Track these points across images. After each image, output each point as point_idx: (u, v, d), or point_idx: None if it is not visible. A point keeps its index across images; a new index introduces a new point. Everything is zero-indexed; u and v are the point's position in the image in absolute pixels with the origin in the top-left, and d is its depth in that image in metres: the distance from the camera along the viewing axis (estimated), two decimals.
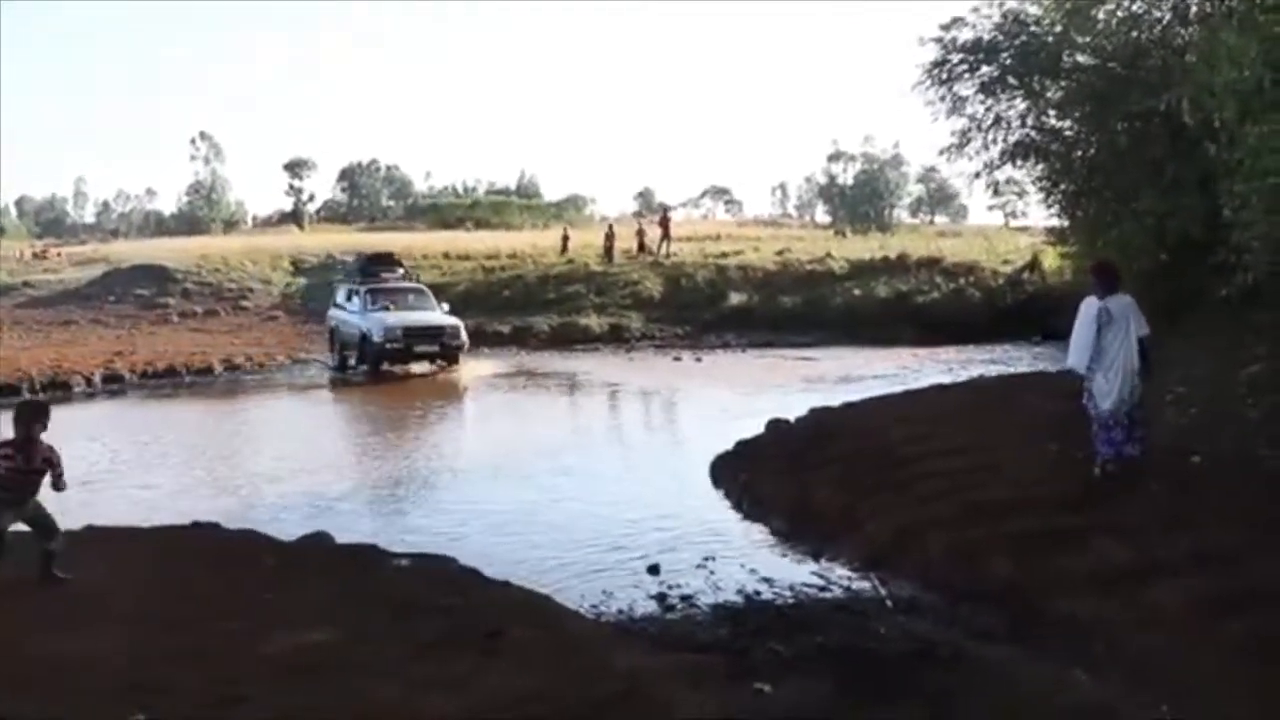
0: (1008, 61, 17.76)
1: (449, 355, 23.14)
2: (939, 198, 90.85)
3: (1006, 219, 51.04)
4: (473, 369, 23.63)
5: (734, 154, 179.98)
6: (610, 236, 36.08)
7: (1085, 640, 5.87)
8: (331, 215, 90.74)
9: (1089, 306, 8.61)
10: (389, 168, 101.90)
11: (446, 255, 37.13)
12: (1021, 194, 20.79)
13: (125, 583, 6.83)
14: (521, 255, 36.77)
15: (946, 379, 17.95)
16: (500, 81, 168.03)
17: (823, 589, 7.60)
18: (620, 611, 7.18)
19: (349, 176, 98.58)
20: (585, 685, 4.96)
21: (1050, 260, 27.17)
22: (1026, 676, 5.49)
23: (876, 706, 5.07)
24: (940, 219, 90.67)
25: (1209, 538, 6.89)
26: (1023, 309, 26.94)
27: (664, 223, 37.06)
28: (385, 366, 22.82)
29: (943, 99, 18.46)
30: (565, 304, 30.73)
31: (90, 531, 8.69)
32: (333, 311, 25.89)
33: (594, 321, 29.41)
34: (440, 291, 27.21)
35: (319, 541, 8.43)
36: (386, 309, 23.51)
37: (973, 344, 24.62)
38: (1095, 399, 8.50)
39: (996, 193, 19.97)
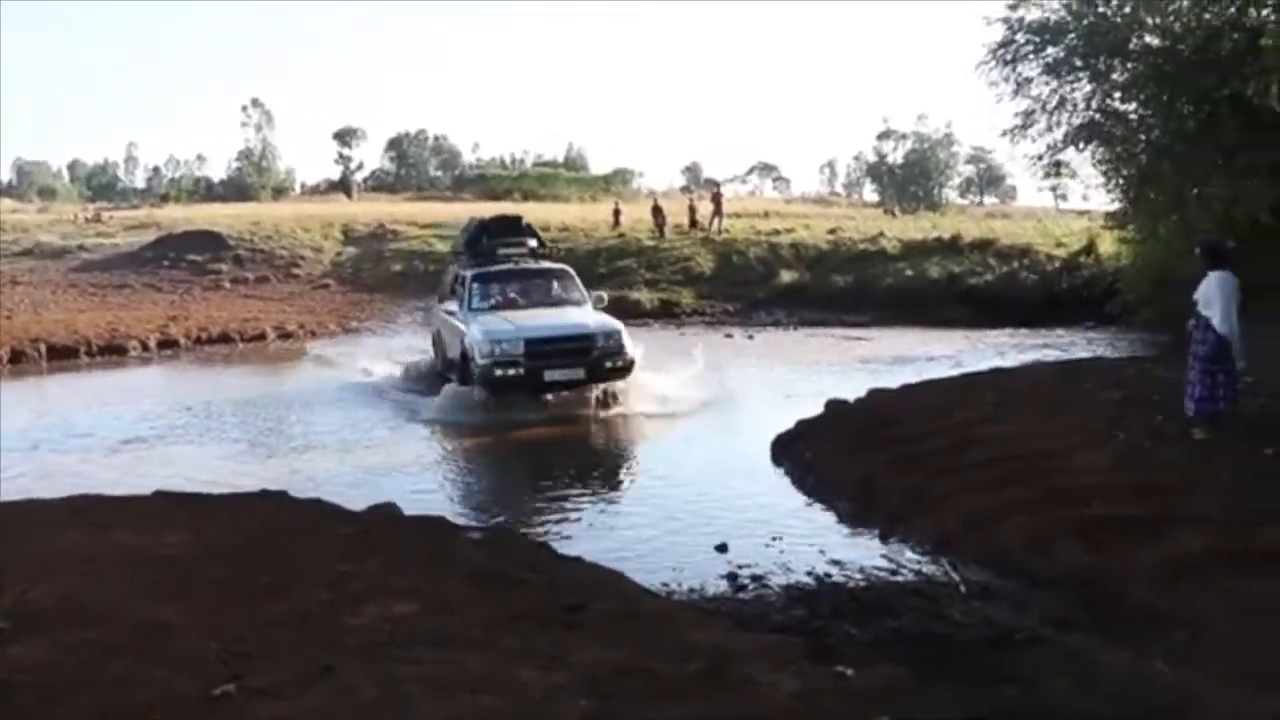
0: (1074, 42, 17.57)
1: (604, 379, 14.66)
2: (988, 179, 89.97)
3: (1057, 201, 50.38)
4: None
5: (781, 131, 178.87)
6: (659, 211, 36.05)
7: (1166, 629, 5.84)
8: (379, 185, 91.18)
9: (1228, 278, 9.08)
10: (437, 138, 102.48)
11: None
12: (1074, 176, 20.56)
13: (205, 551, 6.95)
14: (573, 228, 36.74)
15: (1003, 362, 17.80)
16: (549, 53, 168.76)
17: (893, 572, 7.60)
18: (692, 590, 7.21)
19: (397, 146, 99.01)
20: (673, 661, 5.00)
21: (1106, 245, 26.82)
22: (1107, 665, 5.47)
23: (958, 691, 5.07)
24: (989, 200, 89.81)
25: None
26: (1077, 293, 26.62)
27: (716, 199, 36.96)
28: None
29: (1007, 80, 18.37)
30: (616, 278, 30.61)
31: (161, 498, 8.87)
32: (435, 308, 18.44)
33: (645, 296, 29.38)
34: None
35: (388, 512, 8.51)
36: (503, 307, 15.81)
37: (1026, 327, 24.38)
38: (1236, 361, 9.15)
39: (1058, 175, 19.78)
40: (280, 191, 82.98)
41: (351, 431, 13.94)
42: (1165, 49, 16.60)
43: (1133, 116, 18.20)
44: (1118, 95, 18.16)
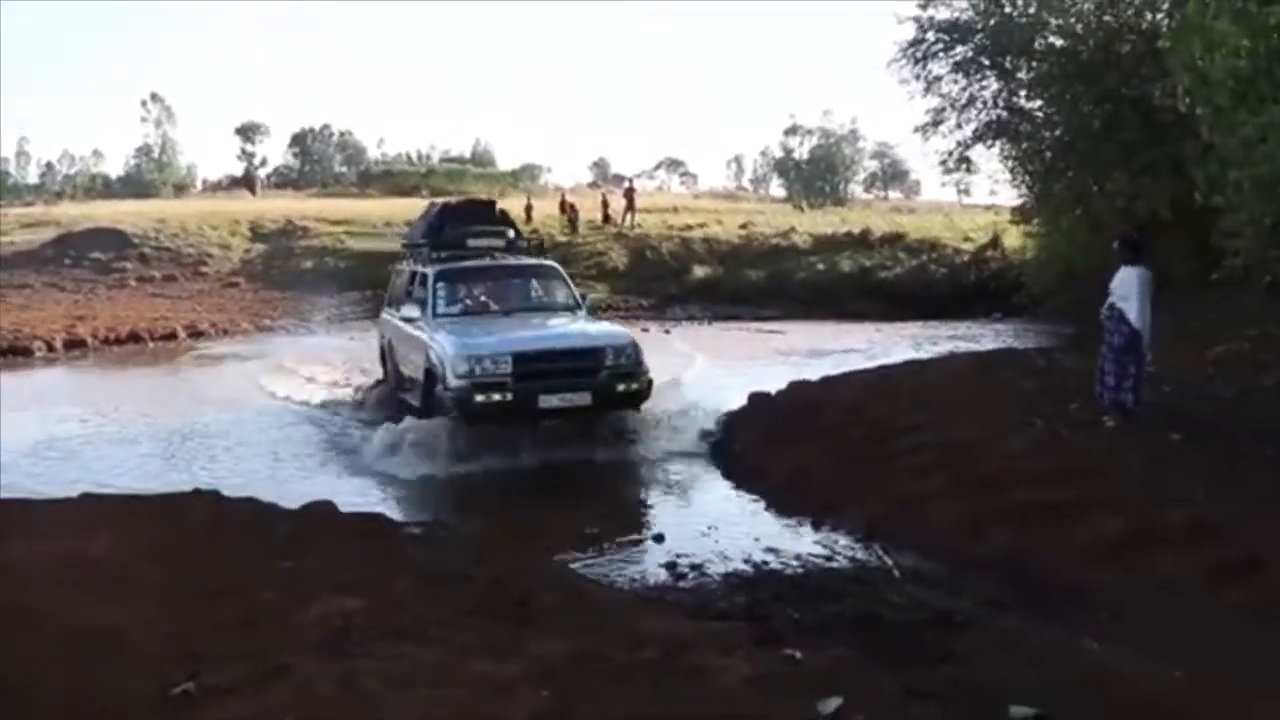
0: (982, 41, 18.11)
1: (616, 406, 11.55)
2: (892, 174, 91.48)
3: (960, 196, 51.60)
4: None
5: (688, 126, 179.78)
6: (572, 207, 36.15)
7: (1092, 608, 6.13)
8: (283, 181, 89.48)
9: (1145, 273, 9.19)
10: (342, 134, 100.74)
11: (406, 223, 36.85)
12: (976, 172, 21.20)
13: (142, 552, 6.83)
14: None
15: (916, 354, 18.21)
16: (454, 48, 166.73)
17: (828, 558, 7.80)
18: (634, 579, 7.34)
19: (301, 142, 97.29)
20: (626, 650, 5.10)
21: (1012, 239, 27.57)
22: (1040, 643, 5.72)
23: (902, 671, 5.25)
24: (894, 195, 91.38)
25: (1199, 510, 7.15)
26: (984, 286, 27.30)
27: (629, 194, 37.20)
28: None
29: (918, 78, 18.87)
30: None
31: (89, 500, 8.68)
32: (384, 314, 15.01)
33: None
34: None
35: (324, 509, 8.45)
36: (477, 312, 12.89)
37: (936, 319, 24.92)
38: (1145, 354, 9.35)
39: (968, 170, 20.34)
40: (181, 188, 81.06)
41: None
42: (1068, 49, 17.18)
43: (1038, 114, 18.81)
44: (1024, 93, 18.78)
